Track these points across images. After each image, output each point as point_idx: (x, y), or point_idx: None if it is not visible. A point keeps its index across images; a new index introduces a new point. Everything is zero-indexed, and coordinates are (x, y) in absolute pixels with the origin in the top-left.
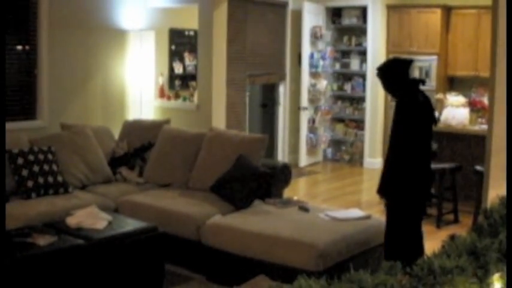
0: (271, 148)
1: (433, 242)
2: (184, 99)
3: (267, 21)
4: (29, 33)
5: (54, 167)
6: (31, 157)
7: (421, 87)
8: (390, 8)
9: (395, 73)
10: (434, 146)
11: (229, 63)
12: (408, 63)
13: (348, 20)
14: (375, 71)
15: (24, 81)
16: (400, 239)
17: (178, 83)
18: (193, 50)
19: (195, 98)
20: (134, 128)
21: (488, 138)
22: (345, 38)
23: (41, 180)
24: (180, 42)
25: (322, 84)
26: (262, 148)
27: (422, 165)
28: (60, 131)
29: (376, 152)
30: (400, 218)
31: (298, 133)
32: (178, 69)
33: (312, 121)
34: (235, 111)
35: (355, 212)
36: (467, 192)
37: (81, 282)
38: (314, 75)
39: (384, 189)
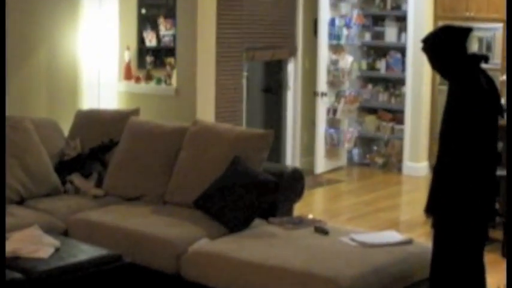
0: (277, 148)
1: (497, 275)
2: (159, 81)
3: None
4: None
5: None
6: None
7: (483, 66)
8: None
9: (448, 46)
10: (500, 145)
11: (219, 33)
12: (466, 32)
13: None
14: (420, 44)
15: None
16: (452, 272)
17: (151, 59)
18: (170, 14)
19: (173, 80)
20: (91, 120)
21: None
22: None
23: None
24: (152, 4)
25: (347, 61)
26: (265, 148)
27: (485, 172)
28: None
29: (419, 153)
30: (454, 244)
31: (314, 128)
32: (150, 40)
33: (332, 111)
34: (228, 97)
35: (392, 236)
36: None
37: None
38: (335, 49)
39: (432, 205)
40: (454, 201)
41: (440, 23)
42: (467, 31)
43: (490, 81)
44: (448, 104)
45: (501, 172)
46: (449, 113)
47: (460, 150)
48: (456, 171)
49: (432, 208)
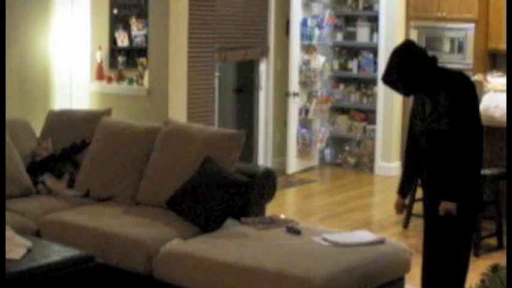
0: (249, 148)
1: (470, 274)
2: (131, 81)
3: None
4: None
5: None
6: None
7: (451, 66)
8: None
9: (420, 63)
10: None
11: (191, 33)
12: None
13: None
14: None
15: None
16: (445, 266)
17: (123, 59)
18: (142, 14)
19: (145, 81)
20: (62, 121)
21: None
22: None
23: None
24: (124, 4)
25: (319, 61)
26: (237, 148)
27: (478, 167)
28: None
29: (391, 153)
30: (458, 239)
31: (286, 128)
32: (122, 41)
33: (304, 112)
34: (200, 98)
35: (364, 235)
36: None
37: None
38: (307, 49)
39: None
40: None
41: (412, 23)
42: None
43: None
44: (443, 112)
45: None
46: (449, 119)
47: (474, 146)
48: (470, 166)
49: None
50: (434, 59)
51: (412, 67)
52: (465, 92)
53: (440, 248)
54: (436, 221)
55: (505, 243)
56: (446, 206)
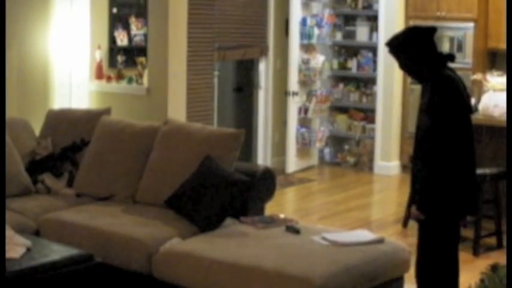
0: (248, 148)
1: (469, 273)
2: (130, 80)
3: None
4: None
5: None
6: None
7: (450, 65)
8: None
9: (416, 47)
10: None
11: (191, 32)
12: (431, 31)
13: None
14: (387, 47)
15: None
16: (435, 267)
17: (122, 58)
18: (142, 14)
19: (145, 80)
20: (62, 120)
21: None
22: None
23: None
24: (124, 3)
25: (318, 60)
26: (237, 147)
27: (467, 169)
28: None
29: (391, 153)
30: (436, 241)
31: (286, 127)
32: (121, 40)
33: (304, 111)
34: (199, 97)
35: (363, 235)
36: None
37: None
38: (307, 48)
39: (423, 204)
40: (440, 201)
41: (412, 23)
42: (434, 30)
43: (460, 81)
44: (425, 108)
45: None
46: (428, 113)
47: (443, 150)
48: (441, 169)
49: (423, 207)
50: (444, 56)
51: (416, 47)
52: (443, 93)
53: (424, 249)
54: (421, 223)
55: (504, 243)
56: (413, 212)
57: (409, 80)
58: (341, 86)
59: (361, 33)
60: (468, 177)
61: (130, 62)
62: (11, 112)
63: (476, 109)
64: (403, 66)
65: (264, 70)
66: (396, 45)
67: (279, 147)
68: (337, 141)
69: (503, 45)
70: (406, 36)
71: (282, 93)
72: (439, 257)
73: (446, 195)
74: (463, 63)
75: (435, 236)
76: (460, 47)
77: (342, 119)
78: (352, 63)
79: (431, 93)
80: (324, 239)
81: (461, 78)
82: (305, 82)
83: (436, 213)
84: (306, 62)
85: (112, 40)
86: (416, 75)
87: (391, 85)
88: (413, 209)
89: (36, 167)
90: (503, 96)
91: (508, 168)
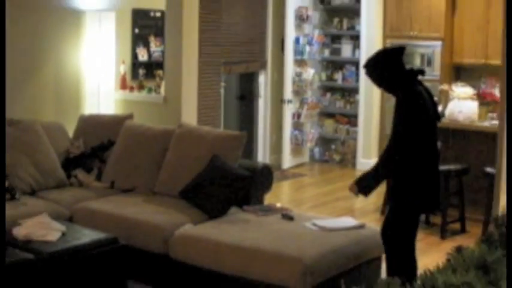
0: (250, 147)
1: (437, 254)
2: (150, 90)
3: (245, 0)
4: None
5: None
6: None
7: (421, 78)
8: None
9: (386, 66)
10: (438, 144)
11: (201, 50)
12: (400, 51)
13: (338, 0)
14: (364, 70)
15: None
16: (396, 248)
17: (143, 72)
18: (159, 33)
19: (162, 90)
20: (92, 124)
21: (500, 135)
22: (335, 21)
23: None
24: (144, 25)
25: (309, 73)
26: (240, 147)
27: (431, 167)
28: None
29: (371, 151)
30: (397, 225)
31: (281, 130)
32: (142, 56)
33: (297, 116)
34: (208, 104)
35: (347, 221)
36: (476, 197)
37: None
38: (299, 63)
39: (392, 193)
40: (407, 193)
41: (388, 41)
42: (402, 49)
43: (428, 91)
44: (397, 113)
45: (439, 167)
46: (399, 120)
47: (410, 151)
48: (408, 167)
49: (393, 196)
50: (413, 72)
51: (386, 66)
52: (409, 105)
53: (386, 228)
54: (390, 209)
55: (467, 228)
56: (350, 186)
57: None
58: (328, 95)
59: (346, 50)
60: (430, 179)
61: (150, 75)
62: (48, 117)
63: (443, 115)
64: (376, 83)
65: (263, 81)
66: (368, 66)
67: (276, 147)
68: (325, 141)
69: (466, 60)
70: (376, 58)
71: (278, 101)
72: (398, 238)
73: (411, 191)
74: (432, 76)
75: (397, 221)
76: (430, 62)
77: (329, 123)
78: (338, 76)
79: (400, 105)
80: (314, 224)
81: (429, 89)
82: (298, 92)
83: (400, 204)
84: (298, 75)
85: (134, 56)
86: (387, 90)
87: (371, 94)
88: (352, 184)
89: (70, 163)
90: (466, 103)
91: (507, 169)
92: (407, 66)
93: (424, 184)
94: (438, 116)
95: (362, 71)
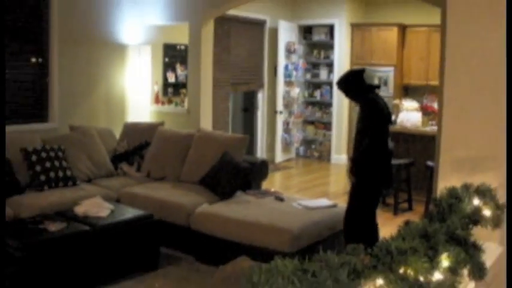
0: (251, 146)
1: (390, 227)
2: (176, 104)
3: (248, 37)
4: (42, 47)
5: (64, 163)
6: (43, 154)
7: (381, 93)
8: (354, 26)
9: (352, 82)
10: (391, 144)
11: (215, 73)
12: (361, 72)
13: (317, 36)
14: (336, 85)
15: (38, 89)
16: (359, 222)
17: (171, 90)
18: (184, 61)
19: (186, 103)
20: (133, 129)
21: (438, 137)
22: (315, 52)
23: (52, 174)
24: (172, 55)
25: (295, 91)
26: (244, 146)
27: (385, 159)
28: (68, 131)
29: (341, 149)
30: (363, 200)
31: (275, 134)
32: (171, 78)
33: (286, 123)
34: (220, 114)
35: (324, 202)
36: (420, 184)
37: (86, 264)
38: (288, 83)
39: (354, 171)
40: (368, 171)
41: (355, 66)
42: (363, 70)
43: (383, 100)
44: (360, 118)
45: (392, 162)
46: (361, 123)
47: (370, 146)
48: (368, 158)
49: (356, 173)
50: (372, 86)
51: (352, 82)
52: (369, 110)
53: (351, 206)
54: (353, 185)
55: (413, 207)
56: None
57: (352, 103)
58: (310, 107)
59: (323, 74)
60: (386, 163)
61: (177, 92)
62: (101, 124)
63: (395, 122)
64: (345, 94)
65: (261, 97)
66: (340, 83)
67: (271, 146)
68: (307, 142)
69: (413, 82)
70: (345, 77)
71: (272, 112)
72: (361, 212)
73: (371, 170)
74: (387, 93)
75: (360, 197)
76: (386, 83)
77: (310, 128)
78: (317, 93)
79: (363, 109)
80: (299, 204)
81: (385, 101)
82: (287, 105)
83: (362, 180)
84: (287, 93)
85: (165, 78)
86: (353, 99)
87: (342, 107)
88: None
89: (116, 158)
90: (412, 114)
91: (507, 169)
92: (367, 82)
93: (382, 163)
94: (390, 118)
95: (335, 90)
